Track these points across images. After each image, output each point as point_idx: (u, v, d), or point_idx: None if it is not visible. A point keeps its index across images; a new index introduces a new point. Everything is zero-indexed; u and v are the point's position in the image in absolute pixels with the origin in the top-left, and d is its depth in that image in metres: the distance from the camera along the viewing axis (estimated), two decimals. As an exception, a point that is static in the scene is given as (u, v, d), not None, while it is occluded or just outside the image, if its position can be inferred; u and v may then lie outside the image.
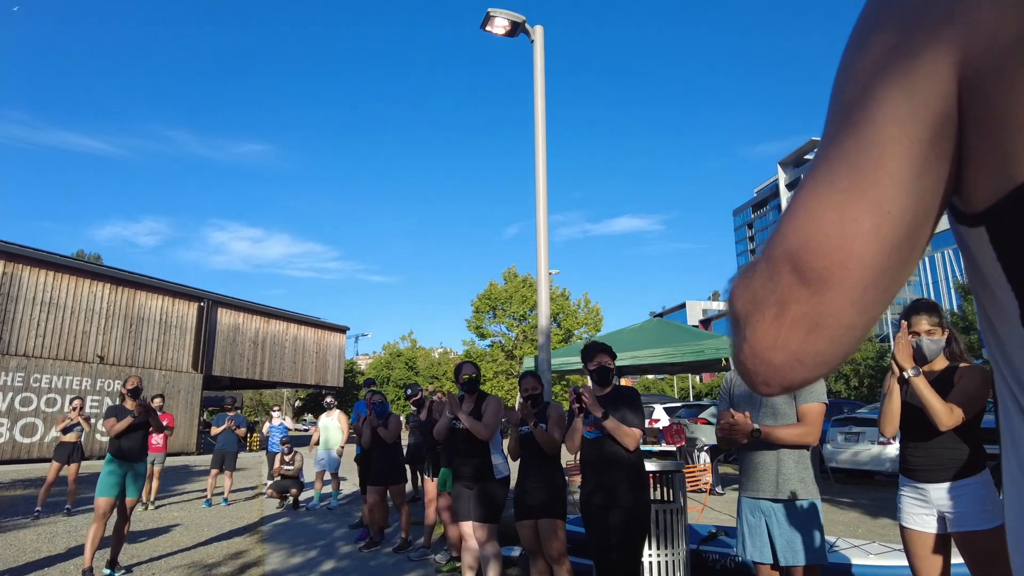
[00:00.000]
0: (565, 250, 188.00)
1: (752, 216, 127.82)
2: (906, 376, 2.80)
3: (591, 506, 3.81)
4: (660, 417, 19.07)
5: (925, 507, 2.91)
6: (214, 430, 10.91)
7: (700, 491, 10.28)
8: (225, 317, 27.12)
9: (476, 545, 4.71)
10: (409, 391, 7.18)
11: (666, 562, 4.14)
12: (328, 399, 10.23)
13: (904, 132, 0.46)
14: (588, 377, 4.07)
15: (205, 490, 10.74)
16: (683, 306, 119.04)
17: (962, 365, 2.89)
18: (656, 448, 15.43)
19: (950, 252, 54.81)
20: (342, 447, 9.80)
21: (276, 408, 12.03)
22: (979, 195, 0.47)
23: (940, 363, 2.93)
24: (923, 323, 2.87)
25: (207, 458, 18.20)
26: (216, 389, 32.63)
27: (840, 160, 0.49)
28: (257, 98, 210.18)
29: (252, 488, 12.64)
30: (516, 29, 7.25)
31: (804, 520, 3.00)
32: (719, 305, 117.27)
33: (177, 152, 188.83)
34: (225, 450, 10.57)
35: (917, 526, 2.92)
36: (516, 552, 5.67)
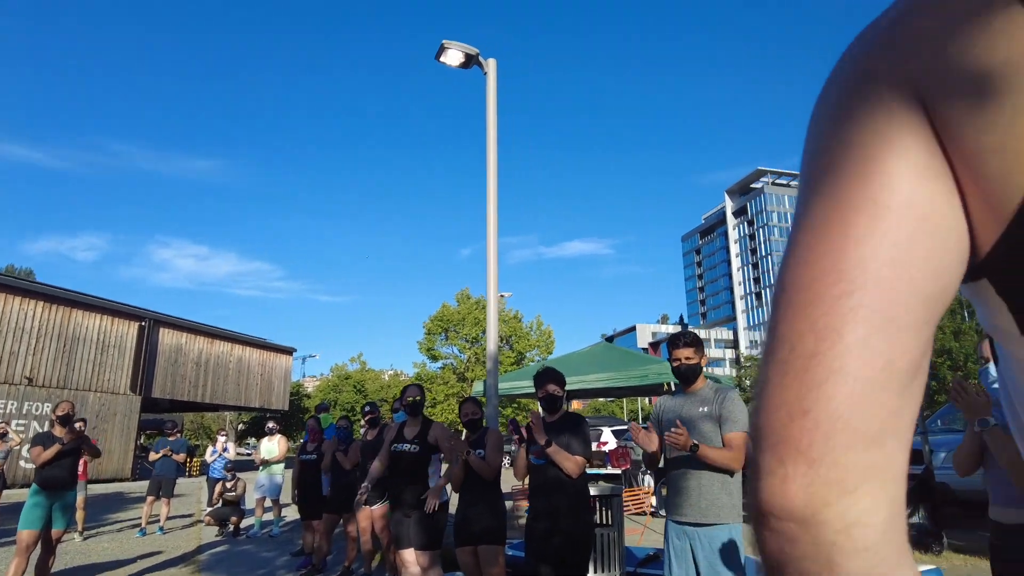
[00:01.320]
0: (519, 272, 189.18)
1: (700, 242, 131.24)
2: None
3: (535, 531, 3.88)
4: (608, 440, 19.30)
5: None
6: (152, 455, 10.54)
7: (643, 513, 10.44)
8: (167, 337, 26.24)
9: (419, 572, 4.71)
10: (368, 408, 7.12)
11: (604, 586, 4.23)
12: (270, 424, 10.06)
13: (894, 144, 0.43)
14: (539, 402, 4.18)
15: (140, 519, 10.33)
16: (633, 329, 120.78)
17: None
18: (602, 471, 15.59)
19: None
20: (281, 473, 9.61)
21: (222, 432, 11.71)
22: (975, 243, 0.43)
23: None
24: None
25: (143, 485, 17.47)
26: (155, 412, 31.40)
27: (822, 180, 0.45)
28: (209, 114, 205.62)
29: (190, 516, 12.20)
30: (470, 61, 7.42)
31: (727, 545, 3.14)
32: (667, 328, 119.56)
33: (120, 164, 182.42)
34: (163, 476, 10.20)
35: None
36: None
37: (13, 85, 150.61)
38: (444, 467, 4.96)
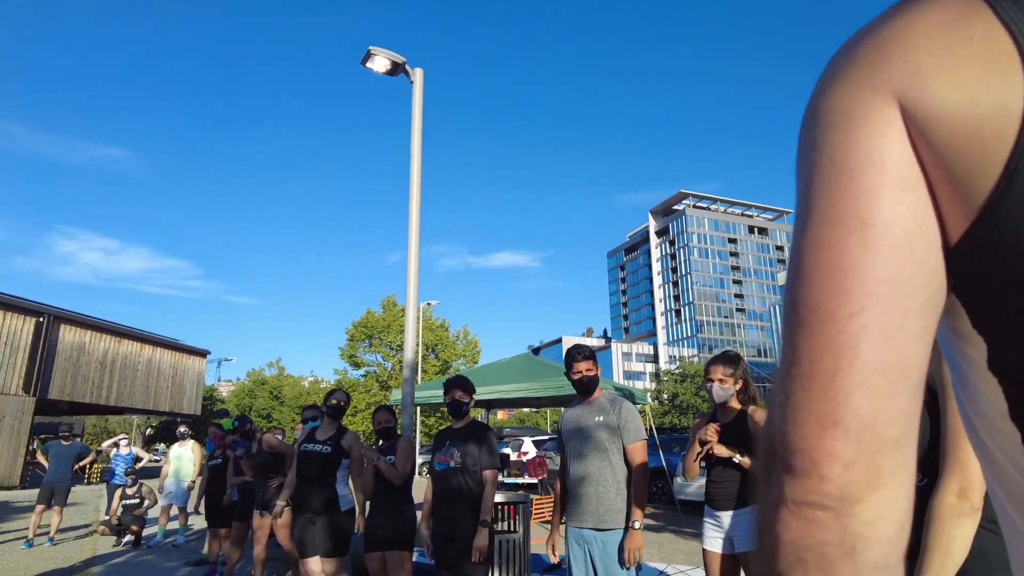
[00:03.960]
0: (446, 280, 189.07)
1: (624, 259, 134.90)
2: (735, 460, 3.31)
3: (436, 537, 3.95)
4: (528, 450, 19.56)
5: (719, 531, 3.38)
6: (40, 457, 9.87)
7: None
8: (68, 335, 24.62)
9: (324, 580, 4.68)
10: (237, 423, 6.94)
11: (507, 591, 4.34)
12: (181, 428, 9.70)
13: (871, 156, 0.46)
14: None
15: (27, 529, 9.66)
16: (559, 341, 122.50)
17: (752, 408, 3.41)
18: (520, 480, 15.77)
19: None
20: (194, 480, 9.26)
21: (124, 436, 11.13)
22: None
23: (734, 405, 3.43)
24: (718, 372, 3.38)
25: (33, 493, 16.31)
26: (53, 415, 29.35)
27: (813, 199, 0.48)
28: (119, 101, 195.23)
29: (86, 526, 11.50)
30: (396, 69, 7.47)
31: (621, 548, 3.32)
32: (591, 340, 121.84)
33: (19, 149, 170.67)
34: (54, 483, 9.56)
35: (712, 547, 3.39)
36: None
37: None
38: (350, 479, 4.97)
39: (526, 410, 64.51)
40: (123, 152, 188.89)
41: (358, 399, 35.39)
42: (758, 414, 3.34)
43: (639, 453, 3.43)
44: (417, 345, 7.06)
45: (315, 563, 4.68)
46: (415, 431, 15.96)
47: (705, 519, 3.48)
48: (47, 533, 9.45)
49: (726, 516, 3.33)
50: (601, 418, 3.46)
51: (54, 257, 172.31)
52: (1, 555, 8.42)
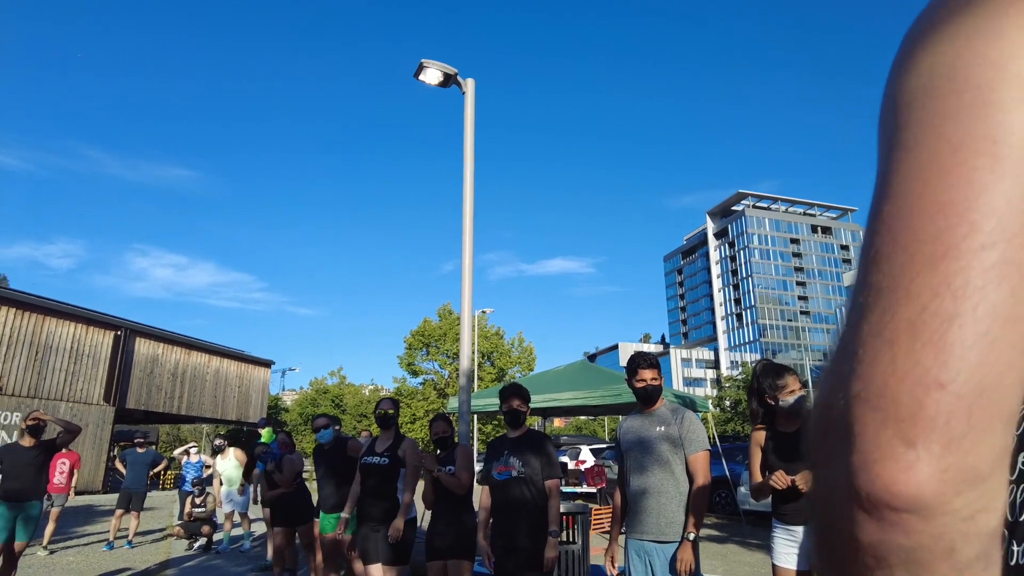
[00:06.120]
0: (500, 288, 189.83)
1: (682, 262, 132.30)
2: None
3: (496, 547, 3.93)
4: (586, 458, 19.36)
5: (793, 545, 3.22)
6: (119, 465, 10.37)
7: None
8: (143, 347, 25.90)
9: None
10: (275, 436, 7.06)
11: (567, 603, 4.28)
12: (217, 441, 10.05)
13: (1005, 69, 0.36)
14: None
15: (108, 532, 10.17)
16: (616, 347, 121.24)
17: None
18: (578, 489, 15.61)
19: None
20: (243, 484, 9.51)
21: (194, 444, 11.58)
22: None
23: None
24: (794, 381, 3.26)
25: (114, 498, 17.16)
26: (130, 423, 30.89)
27: (923, 123, 0.38)
28: (185, 123, 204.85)
29: (161, 530, 12.02)
30: (448, 80, 7.54)
31: (674, 559, 3.22)
32: (649, 347, 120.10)
33: (94, 172, 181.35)
34: (132, 489, 10.05)
35: (786, 563, 3.23)
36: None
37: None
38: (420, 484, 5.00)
39: (583, 418, 64.02)
40: (189, 172, 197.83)
41: (416, 407, 35.86)
42: None
43: (701, 465, 3.33)
44: (473, 353, 7.08)
45: (377, 570, 4.73)
46: (472, 439, 16.03)
47: (775, 533, 3.32)
48: (126, 536, 9.93)
49: (800, 529, 3.19)
50: (663, 429, 3.37)
51: (129, 273, 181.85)
52: (86, 556, 8.87)
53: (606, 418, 61.75)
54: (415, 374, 38.50)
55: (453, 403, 11.18)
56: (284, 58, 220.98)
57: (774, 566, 3.31)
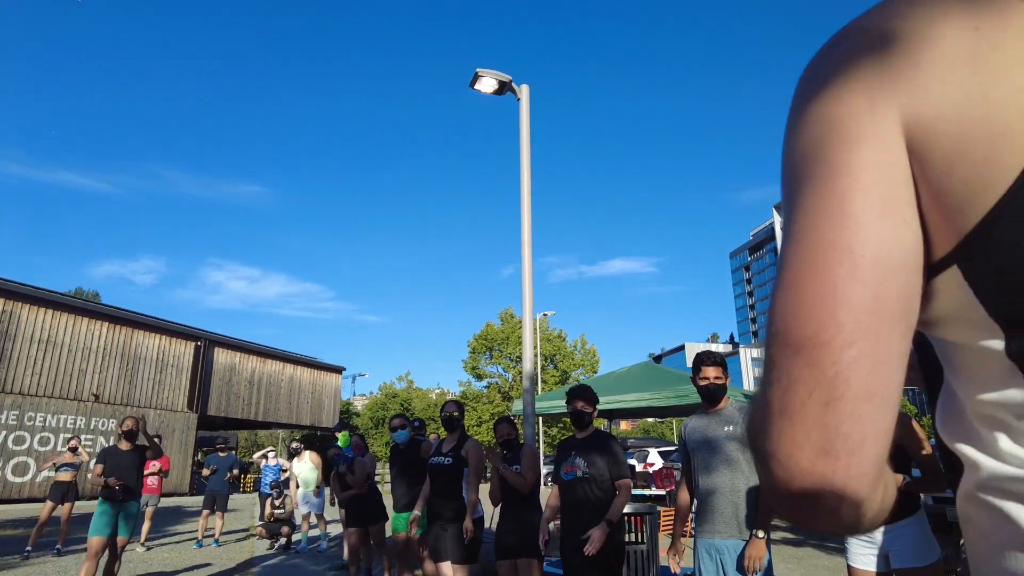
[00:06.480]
0: (561, 291, 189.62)
1: (749, 259, 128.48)
2: None
3: (564, 547, 3.99)
4: (655, 461, 19.11)
5: (870, 547, 3.14)
6: (204, 471, 10.98)
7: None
8: (221, 356, 27.23)
9: (456, 585, 4.84)
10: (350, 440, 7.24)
11: (636, 602, 4.29)
12: (294, 444, 10.42)
13: (859, 181, 0.46)
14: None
15: (196, 531, 10.78)
16: (682, 348, 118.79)
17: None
18: (647, 492, 15.43)
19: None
20: (318, 486, 9.89)
21: (271, 448, 12.11)
22: (940, 241, 0.47)
23: None
24: None
25: (200, 499, 18.12)
26: (211, 429, 32.49)
27: (803, 220, 0.48)
28: (252, 142, 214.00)
29: (244, 530, 12.64)
30: (503, 88, 7.68)
31: (742, 556, 3.19)
32: (717, 347, 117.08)
33: (173, 191, 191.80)
34: (216, 491, 10.61)
35: (863, 565, 3.16)
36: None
37: (67, 112, 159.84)
38: (484, 486, 5.13)
39: (651, 420, 63.01)
40: (260, 188, 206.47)
41: (482, 410, 36.17)
42: (920, 430, 3.11)
43: None
44: (535, 356, 7.16)
45: (447, 568, 4.87)
46: (538, 441, 16.08)
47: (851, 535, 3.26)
48: (212, 535, 10.49)
49: (878, 531, 3.11)
50: (730, 428, 3.34)
51: (206, 287, 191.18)
52: (178, 553, 9.45)
53: (674, 420, 60.53)
54: (479, 377, 38.85)
55: (517, 406, 11.28)
56: (346, 75, 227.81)
57: (849, 567, 3.25)
